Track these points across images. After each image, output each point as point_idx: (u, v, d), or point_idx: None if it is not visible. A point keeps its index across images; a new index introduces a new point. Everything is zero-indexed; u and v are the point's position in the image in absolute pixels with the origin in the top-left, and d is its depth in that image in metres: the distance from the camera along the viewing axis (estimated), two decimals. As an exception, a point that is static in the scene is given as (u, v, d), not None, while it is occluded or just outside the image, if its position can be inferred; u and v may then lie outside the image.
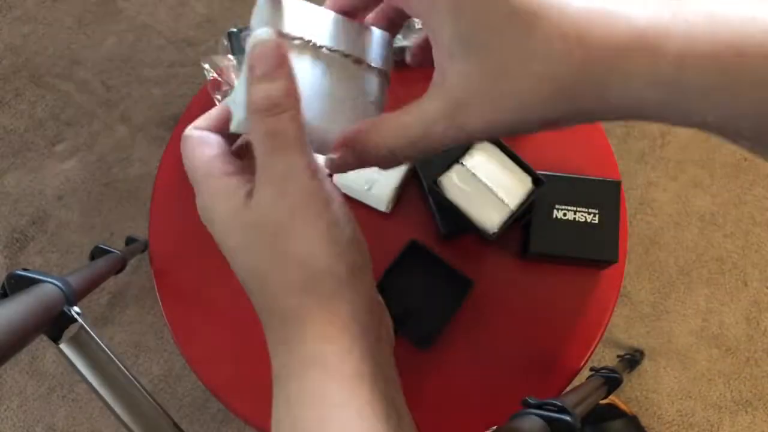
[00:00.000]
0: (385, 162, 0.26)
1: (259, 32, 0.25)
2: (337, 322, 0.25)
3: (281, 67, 0.24)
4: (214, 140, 0.27)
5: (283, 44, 0.25)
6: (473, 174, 0.59)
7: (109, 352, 0.58)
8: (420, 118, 0.24)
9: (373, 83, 0.30)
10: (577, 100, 0.21)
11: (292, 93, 0.25)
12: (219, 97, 0.68)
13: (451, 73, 0.23)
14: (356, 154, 0.26)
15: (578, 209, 0.63)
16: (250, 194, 0.25)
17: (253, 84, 0.24)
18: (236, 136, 0.29)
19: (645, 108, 0.20)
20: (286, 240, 0.24)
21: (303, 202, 0.24)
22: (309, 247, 0.24)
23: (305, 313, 0.24)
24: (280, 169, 0.24)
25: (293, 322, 0.25)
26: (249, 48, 0.25)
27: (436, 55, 0.24)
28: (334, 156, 0.27)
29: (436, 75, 0.24)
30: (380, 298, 0.28)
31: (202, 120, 0.28)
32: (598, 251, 0.62)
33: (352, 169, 0.27)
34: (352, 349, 0.25)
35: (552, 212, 0.63)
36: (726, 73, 0.18)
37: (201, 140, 0.27)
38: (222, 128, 0.28)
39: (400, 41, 0.66)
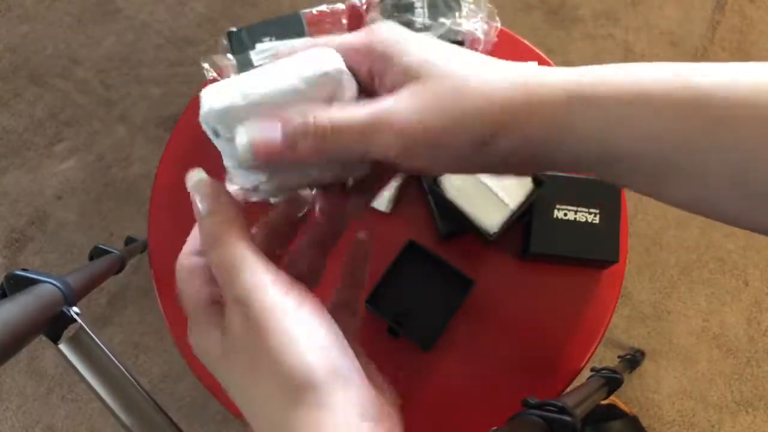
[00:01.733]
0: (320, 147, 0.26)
1: (193, 173, 0.27)
2: None
3: (217, 202, 0.27)
4: (202, 267, 0.28)
5: (216, 182, 0.27)
6: (473, 174, 0.59)
7: (108, 352, 0.57)
8: (373, 108, 0.26)
9: None
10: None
11: (232, 222, 0.26)
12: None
13: (406, 92, 0.26)
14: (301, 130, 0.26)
15: (579, 209, 0.63)
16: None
17: (199, 223, 0.27)
18: None
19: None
20: (260, 357, 0.24)
21: (265, 318, 0.24)
22: (282, 360, 0.23)
23: (295, 428, 0.23)
24: (236, 293, 0.25)
25: None
26: (189, 187, 0.27)
27: (387, 83, 0.27)
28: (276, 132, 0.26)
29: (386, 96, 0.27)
30: (393, 395, 0.28)
31: (191, 242, 0.29)
32: (598, 251, 0.62)
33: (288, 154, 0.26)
34: None
35: (552, 212, 0.63)
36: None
37: (191, 271, 0.28)
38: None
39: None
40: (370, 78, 0.28)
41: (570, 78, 0.26)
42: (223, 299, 0.26)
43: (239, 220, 0.27)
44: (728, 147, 0.24)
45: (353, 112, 0.26)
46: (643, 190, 0.27)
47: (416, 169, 0.28)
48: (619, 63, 0.26)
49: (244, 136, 0.25)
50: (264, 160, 0.26)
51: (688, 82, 0.25)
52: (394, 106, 0.26)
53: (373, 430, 0.24)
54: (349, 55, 0.27)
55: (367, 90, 0.28)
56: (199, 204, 0.27)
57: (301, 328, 0.24)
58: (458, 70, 0.26)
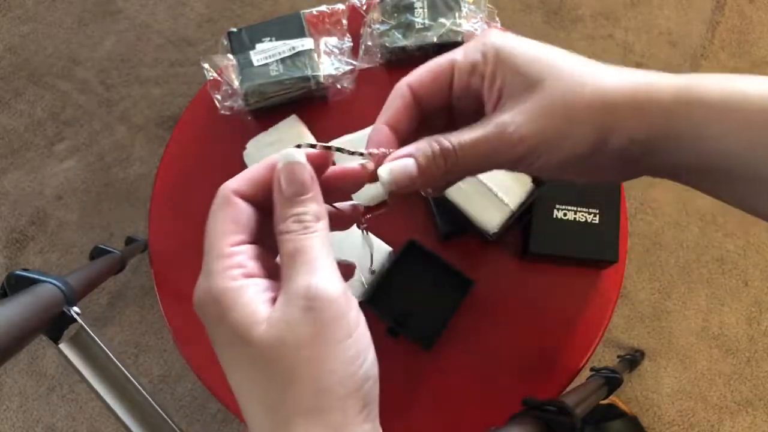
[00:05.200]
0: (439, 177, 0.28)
1: (290, 151, 0.26)
2: None
3: (311, 190, 0.26)
4: (247, 220, 0.27)
5: (309, 167, 0.26)
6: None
7: (108, 352, 0.57)
8: (495, 126, 0.28)
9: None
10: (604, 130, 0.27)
11: (320, 216, 0.26)
12: (219, 97, 0.67)
13: (519, 99, 0.28)
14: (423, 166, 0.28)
15: (578, 209, 0.63)
16: (271, 305, 0.24)
17: (283, 205, 0.26)
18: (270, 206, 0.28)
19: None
20: (307, 363, 0.23)
21: (328, 325, 0.24)
22: (327, 377, 0.23)
23: None
24: (304, 287, 0.24)
25: None
26: (279, 165, 0.26)
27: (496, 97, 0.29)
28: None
29: (495, 112, 0.28)
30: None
31: (243, 181, 0.27)
32: (598, 251, 0.62)
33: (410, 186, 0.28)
34: None
35: (552, 212, 0.63)
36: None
37: (233, 217, 0.26)
38: (261, 194, 0.27)
39: (400, 40, 0.66)
40: (472, 92, 0.29)
41: (676, 83, 0.26)
42: (283, 286, 0.25)
43: (325, 216, 0.27)
44: None
45: (475, 135, 0.28)
46: (737, 201, 0.29)
47: (531, 173, 0.30)
48: (723, 74, 0.27)
49: (386, 175, 0.27)
50: (403, 190, 0.27)
51: None
52: (513, 121, 0.27)
53: None
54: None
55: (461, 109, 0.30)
56: (288, 185, 0.26)
57: (356, 351, 0.24)
58: (573, 73, 0.27)
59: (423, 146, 0.28)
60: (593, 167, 0.29)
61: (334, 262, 0.25)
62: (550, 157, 0.28)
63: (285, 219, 0.25)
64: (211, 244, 0.26)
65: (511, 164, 0.29)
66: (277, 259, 0.28)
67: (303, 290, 0.24)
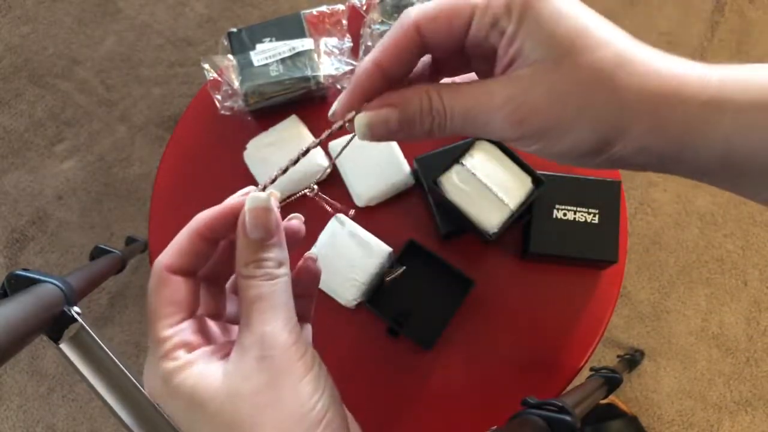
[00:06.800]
0: (428, 130, 0.25)
1: (258, 195, 0.26)
2: None
3: (275, 235, 0.26)
4: (184, 296, 0.26)
5: (276, 212, 0.26)
6: (473, 174, 0.59)
7: (109, 352, 0.57)
8: (489, 93, 0.24)
9: None
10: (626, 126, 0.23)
11: (283, 261, 0.26)
12: (219, 97, 0.67)
13: (528, 73, 0.24)
14: (408, 114, 0.25)
15: (578, 209, 0.63)
16: (224, 361, 0.25)
17: (247, 248, 0.26)
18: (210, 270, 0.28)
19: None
20: (263, 408, 0.24)
21: (281, 371, 0.24)
22: (285, 419, 0.24)
23: None
24: (258, 336, 0.25)
25: None
26: (247, 207, 0.26)
27: (511, 57, 0.24)
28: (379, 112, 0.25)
29: (505, 73, 0.25)
30: None
31: (173, 255, 0.26)
32: (598, 251, 0.62)
33: (384, 136, 0.26)
34: None
35: (552, 212, 0.63)
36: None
37: (167, 298, 0.26)
38: (193, 262, 0.27)
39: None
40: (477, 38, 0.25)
41: (708, 84, 0.23)
42: (241, 332, 0.25)
43: (288, 264, 0.27)
44: None
45: (471, 101, 0.24)
46: (757, 196, 0.25)
47: (528, 151, 0.26)
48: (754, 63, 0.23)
49: (363, 125, 0.25)
50: (378, 139, 0.26)
51: None
52: (517, 98, 0.24)
53: None
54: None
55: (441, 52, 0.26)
56: (255, 228, 0.26)
57: (309, 392, 0.25)
58: (599, 58, 0.23)
59: (411, 98, 0.25)
60: (592, 164, 0.26)
61: (292, 308, 0.26)
62: (548, 145, 0.25)
63: (248, 263, 0.25)
64: (150, 330, 0.26)
65: (504, 140, 0.26)
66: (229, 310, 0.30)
67: (257, 340, 0.24)
